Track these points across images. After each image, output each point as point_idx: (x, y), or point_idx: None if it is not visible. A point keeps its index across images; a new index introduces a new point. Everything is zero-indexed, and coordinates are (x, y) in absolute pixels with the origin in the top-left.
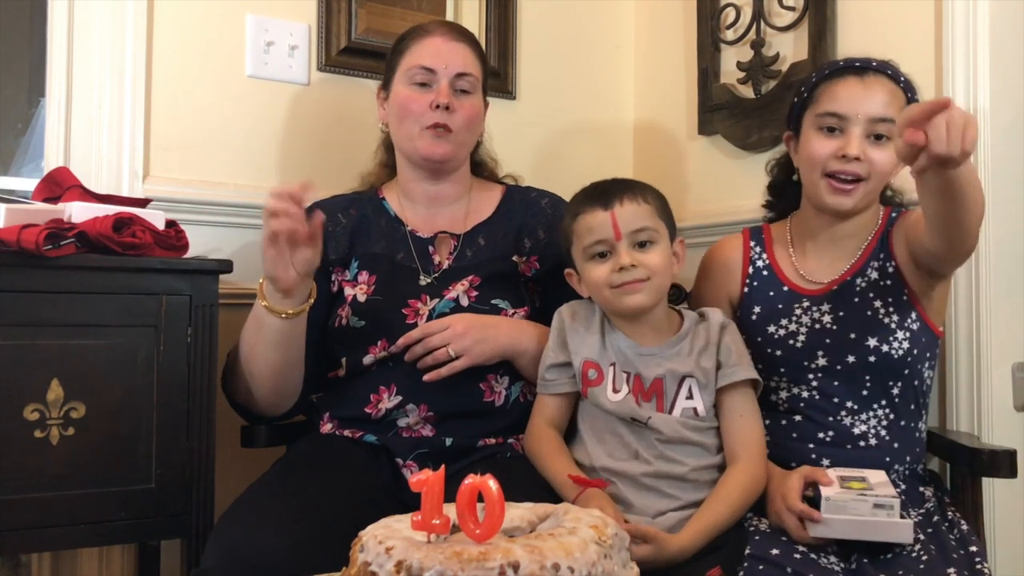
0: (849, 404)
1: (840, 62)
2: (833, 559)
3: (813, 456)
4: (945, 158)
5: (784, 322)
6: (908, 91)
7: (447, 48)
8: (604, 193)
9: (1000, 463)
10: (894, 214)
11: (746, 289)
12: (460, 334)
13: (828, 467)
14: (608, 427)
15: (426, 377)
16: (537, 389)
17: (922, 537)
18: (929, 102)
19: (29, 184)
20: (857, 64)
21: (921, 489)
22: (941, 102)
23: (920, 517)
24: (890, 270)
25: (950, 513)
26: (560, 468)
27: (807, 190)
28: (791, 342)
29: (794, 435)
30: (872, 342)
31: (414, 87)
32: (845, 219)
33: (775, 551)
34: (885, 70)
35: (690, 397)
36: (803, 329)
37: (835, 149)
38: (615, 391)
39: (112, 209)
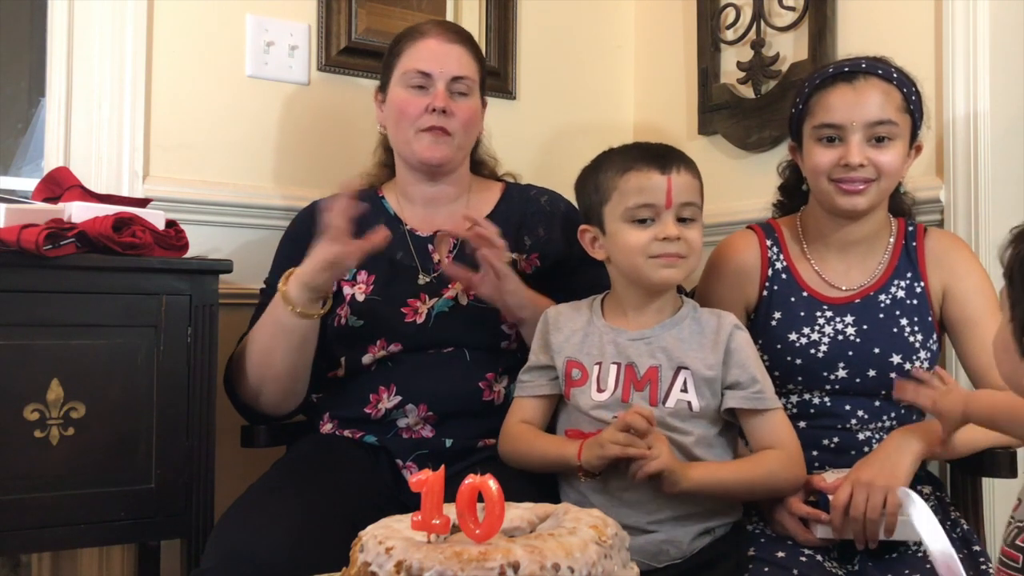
0: (860, 413)
1: (830, 68)
2: (835, 564)
3: (816, 464)
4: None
5: (806, 331)
6: (902, 86)
7: (443, 51)
8: (661, 156)
9: (1000, 463)
10: (910, 227)
11: (765, 293)
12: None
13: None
14: (592, 431)
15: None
16: (515, 392)
17: None
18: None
19: (29, 184)
20: (846, 69)
21: (919, 488)
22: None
23: None
24: (917, 290)
25: (951, 513)
26: (550, 440)
27: (818, 197)
28: (812, 351)
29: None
30: (896, 359)
31: (410, 90)
32: (855, 220)
33: (780, 553)
34: (875, 70)
35: (684, 391)
36: (825, 339)
37: (837, 158)
38: (600, 390)
39: (112, 209)
